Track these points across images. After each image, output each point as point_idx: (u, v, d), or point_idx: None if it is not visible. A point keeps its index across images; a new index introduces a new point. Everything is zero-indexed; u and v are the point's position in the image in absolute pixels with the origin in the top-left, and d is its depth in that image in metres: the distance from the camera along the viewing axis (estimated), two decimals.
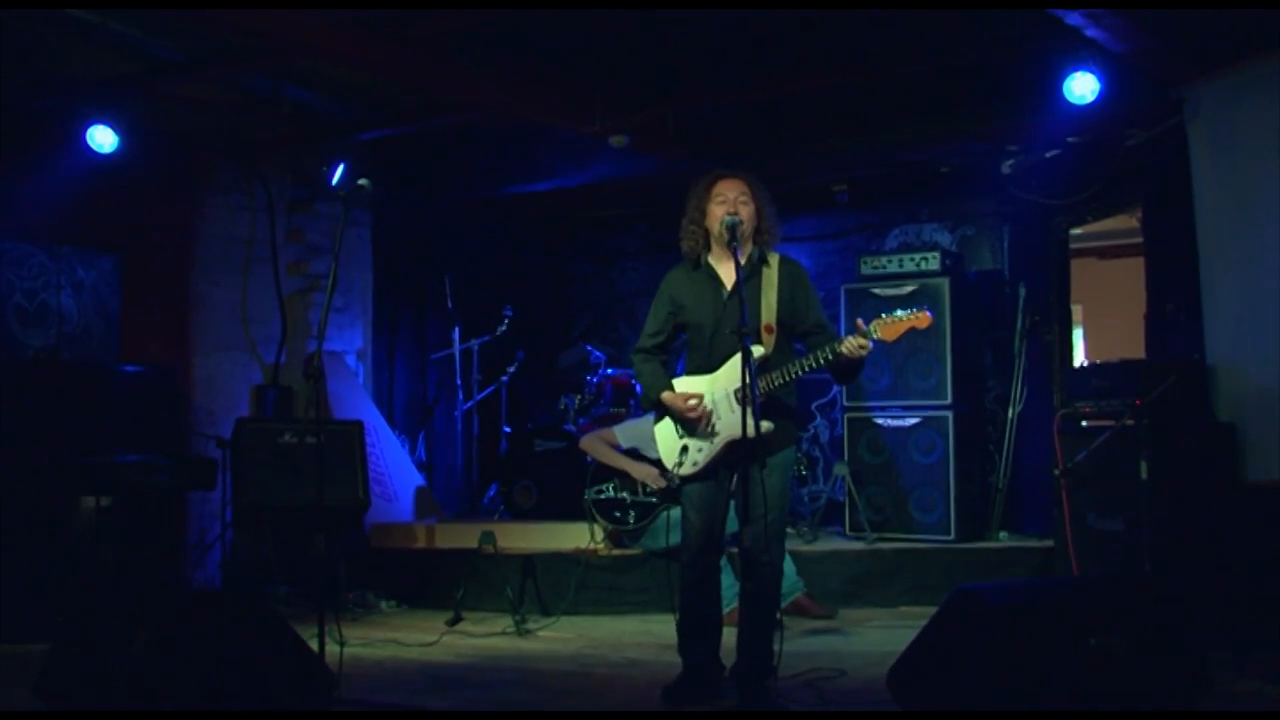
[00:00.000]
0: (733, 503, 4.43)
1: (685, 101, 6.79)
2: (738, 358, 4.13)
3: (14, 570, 5.69)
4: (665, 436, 4.43)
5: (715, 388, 4.30)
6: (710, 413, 4.28)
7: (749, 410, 3.87)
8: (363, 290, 8.22)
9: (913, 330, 4.17)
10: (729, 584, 5.17)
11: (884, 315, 4.16)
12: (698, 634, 4.41)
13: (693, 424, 4.30)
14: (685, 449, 4.32)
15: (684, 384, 4.37)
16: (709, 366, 4.34)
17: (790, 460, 4.38)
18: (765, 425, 4.11)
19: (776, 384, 4.22)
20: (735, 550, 4.88)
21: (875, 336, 4.12)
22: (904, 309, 4.18)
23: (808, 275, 4.46)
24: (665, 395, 4.34)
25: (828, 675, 4.63)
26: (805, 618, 5.99)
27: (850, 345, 4.10)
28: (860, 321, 4.15)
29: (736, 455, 4.17)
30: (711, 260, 4.38)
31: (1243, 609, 4.93)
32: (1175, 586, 4.84)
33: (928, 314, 4.17)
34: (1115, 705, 3.64)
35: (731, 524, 4.40)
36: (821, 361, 4.17)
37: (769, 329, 4.26)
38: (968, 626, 3.74)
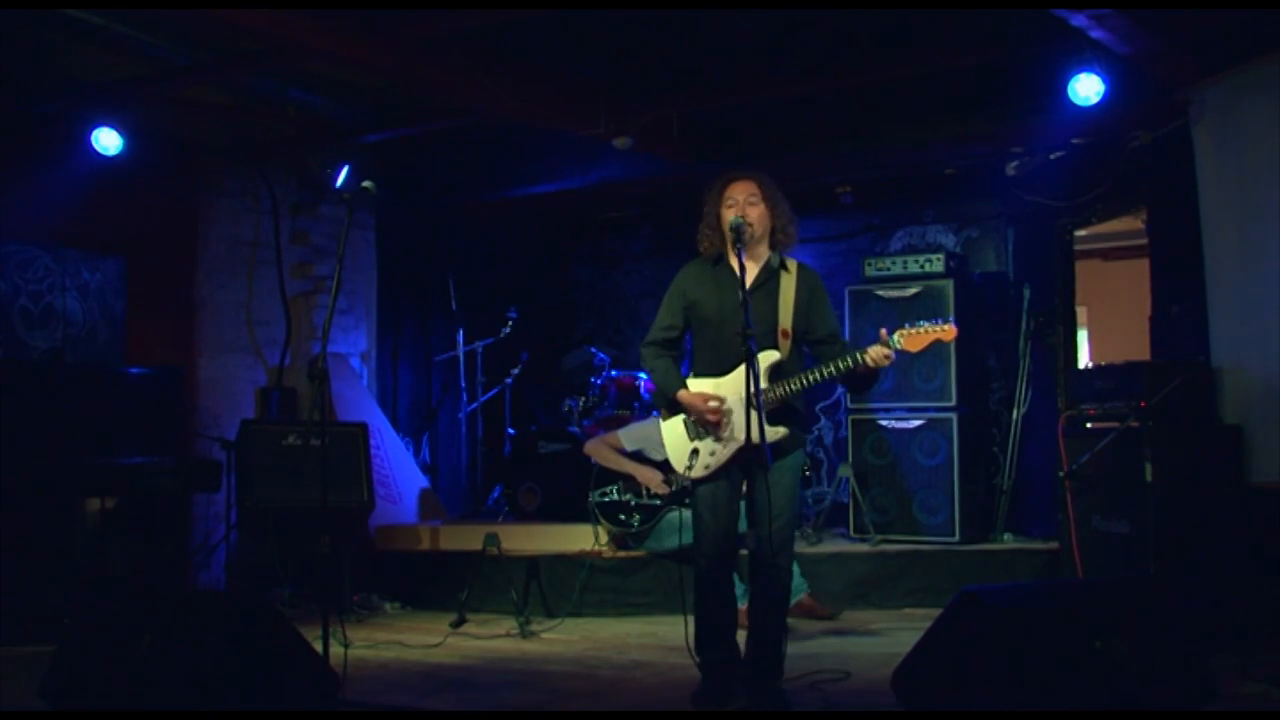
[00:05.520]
0: (744, 504, 4.44)
1: (689, 104, 6.80)
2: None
3: (19, 571, 5.70)
4: (674, 436, 4.38)
5: (728, 391, 4.27)
6: (727, 415, 4.26)
7: (756, 415, 3.86)
8: (367, 292, 8.23)
9: (937, 343, 4.12)
10: (736, 584, 5.17)
11: (907, 326, 4.12)
12: (718, 633, 4.39)
13: (708, 426, 4.27)
14: (696, 451, 4.27)
15: (697, 385, 4.33)
16: (721, 368, 4.31)
17: (799, 463, 4.36)
18: (780, 431, 4.13)
19: (793, 390, 4.20)
20: (744, 552, 4.87)
21: (898, 347, 4.09)
22: (928, 320, 4.13)
23: (824, 286, 4.43)
24: (683, 395, 4.29)
25: (832, 677, 4.62)
26: (808, 618, 5.99)
27: (874, 355, 4.07)
28: (884, 331, 4.11)
29: (747, 458, 4.18)
30: (731, 261, 4.33)
31: (1248, 611, 4.92)
32: (1180, 589, 4.83)
33: (953, 327, 4.09)
34: (1120, 707, 3.63)
35: (743, 524, 4.39)
36: (841, 369, 4.14)
37: (784, 334, 4.24)
38: (972, 628, 3.73)
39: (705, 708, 4.30)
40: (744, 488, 4.38)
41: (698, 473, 4.29)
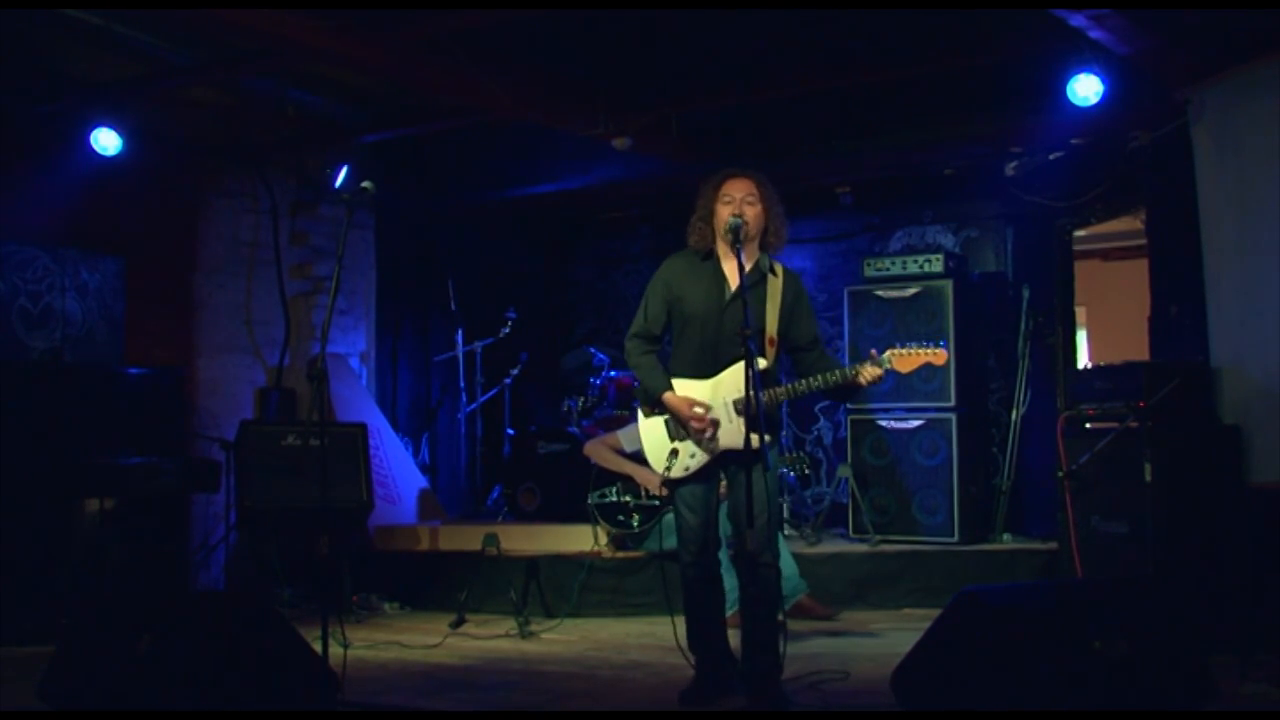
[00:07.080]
0: (722, 505, 4.45)
1: (689, 104, 6.80)
2: (741, 365, 4.06)
3: (18, 572, 5.70)
4: (652, 435, 4.34)
5: (715, 394, 4.24)
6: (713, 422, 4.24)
7: (753, 418, 3.86)
8: (366, 292, 8.23)
9: (928, 366, 4.20)
10: (731, 586, 5.17)
11: (898, 347, 4.19)
12: (708, 631, 4.40)
13: (691, 430, 4.25)
14: (675, 452, 4.25)
15: (683, 387, 4.27)
16: (707, 369, 4.26)
17: (774, 461, 4.36)
18: (766, 438, 4.10)
19: (779, 399, 4.22)
20: (734, 553, 4.88)
21: (889, 367, 4.15)
22: (918, 342, 4.20)
23: (806, 289, 4.46)
24: (669, 397, 4.25)
25: (831, 677, 4.62)
26: (807, 618, 5.99)
27: (867, 374, 4.13)
28: (874, 351, 4.17)
29: (727, 460, 4.25)
30: (720, 257, 4.30)
31: (1247, 611, 4.92)
32: (1179, 589, 4.84)
33: (944, 350, 4.19)
34: (1119, 707, 3.64)
35: (723, 527, 4.41)
36: (830, 383, 4.19)
37: (771, 341, 4.23)
38: (972, 628, 3.74)
39: (693, 706, 4.31)
40: (721, 490, 4.40)
41: (676, 473, 4.28)
